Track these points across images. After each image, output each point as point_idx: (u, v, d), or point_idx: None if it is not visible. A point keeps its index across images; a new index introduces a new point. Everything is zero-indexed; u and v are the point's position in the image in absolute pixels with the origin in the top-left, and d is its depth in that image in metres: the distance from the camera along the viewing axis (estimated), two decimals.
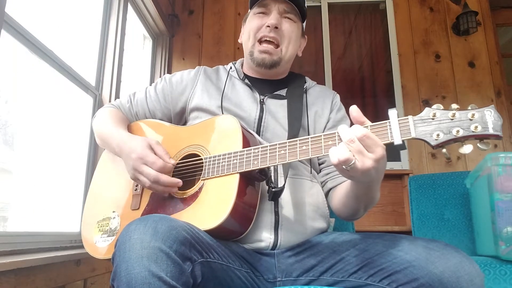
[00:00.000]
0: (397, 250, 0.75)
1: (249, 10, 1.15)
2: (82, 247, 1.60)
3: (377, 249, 0.79)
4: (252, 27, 1.09)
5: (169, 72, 2.99)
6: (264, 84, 1.13)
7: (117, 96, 1.99)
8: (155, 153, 0.91)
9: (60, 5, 1.75)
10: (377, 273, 0.76)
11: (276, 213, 0.92)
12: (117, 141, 1.00)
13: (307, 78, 1.20)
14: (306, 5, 1.14)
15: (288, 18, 1.09)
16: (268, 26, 1.05)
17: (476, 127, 0.66)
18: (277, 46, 1.08)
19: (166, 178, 0.87)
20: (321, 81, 3.06)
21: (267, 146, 0.85)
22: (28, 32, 1.39)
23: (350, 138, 0.69)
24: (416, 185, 1.95)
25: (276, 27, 1.05)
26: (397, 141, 0.70)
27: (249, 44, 1.10)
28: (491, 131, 0.66)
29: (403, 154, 2.88)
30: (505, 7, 3.31)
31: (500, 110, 2.85)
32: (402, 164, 2.87)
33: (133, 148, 0.92)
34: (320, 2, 3.28)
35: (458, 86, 2.94)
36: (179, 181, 0.88)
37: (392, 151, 2.88)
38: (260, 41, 1.08)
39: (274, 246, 0.91)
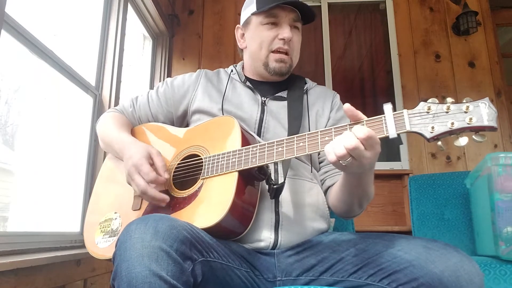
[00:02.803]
0: (397, 250, 0.75)
1: (248, 14, 1.12)
2: (82, 247, 1.61)
3: (377, 249, 0.79)
4: (264, 40, 1.07)
5: (169, 72, 2.99)
6: (265, 87, 1.13)
7: (117, 96, 1.99)
8: (153, 163, 0.92)
9: (60, 5, 1.75)
10: (377, 273, 0.76)
11: (277, 213, 0.93)
12: (119, 145, 1.02)
13: (307, 79, 1.21)
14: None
15: (296, 27, 1.10)
16: (283, 39, 1.05)
17: (471, 119, 0.67)
18: (287, 54, 1.09)
19: (153, 192, 0.88)
20: (321, 81, 3.07)
21: (265, 144, 0.86)
22: (28, 32, 1.38)
23: (353, 146, 0.69)
24: (416, 185, 1.95)
25: (289, 40, 1.07)
26: (392, 134, 0.71)
27: (261, 56, 1.09)
28: (486, 123, 0.66)
29: (403, 154, 2.88)
30: (505, 7, 3.31)
31: (500, 110, 2.85)
32: (402, 164, 2.87)
33: (131, 154, 0.93)
34: (320, 2, 3.28)
35: (458, 86, 2.94)
36: (165, 198, 0.89)
37: (392, 151, 2.88)
38: (273, 52, 1.08)
39: (274, 246, 0.91)
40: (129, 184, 0.94)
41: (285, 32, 1.05)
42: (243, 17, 1.16)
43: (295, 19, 1.08)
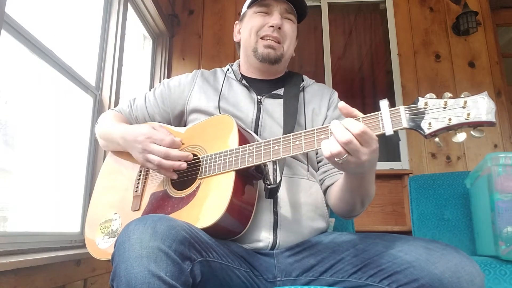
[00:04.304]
0: (397, 251, 0.75)
1: (245, 9, 1.16)
2: (82, 247, 1.61)
3: (377, 250, 0.79)
4: (254, 25, 1.10)
5: (169, 72, 2.99)
6: (261, 84, 1.14)
7: (117, 96, 1.99)
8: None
9: (60, 5, 1.75)
10: (377, 274, 0.75)
11: (275, 213, 0.92)
12: (120, 133, 1.03)
13: (305, 77, 1.21)
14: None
15: (288, 19, 1.12)
16: (272, 26, 1.07)
17: (468, 114, 0.65)
18: (278, 42, 1.10)
19: (176, 152, 0.90)
20: (321, 81, 3.03)
21: (261, 143, 0.85)
22: (28, 32, 1.38)
23: (347, 140, 0.68)
24: (416, 185, 1.95)
25: (279, 28, 1.08)
26: (389, 131, 0.70)
27: (251, 42, 1.11)
28: (484, 118, 0.64)
29: (403, 154, 2.88)
30: (505, 7, 3.31)
31: (500, 110, 2.85)
32: (402, 164, 2.87)
33: (138, 132, 0.95)
34: (320, 2, 3.28)
35: (458, 86, 2.94)
36: (189, 154, 0.91)
37: (392, 150, 2.88)
38: (262, 39, 1.10)
39: (273, 246, 0.91)
40: (145, 160, 0.93)
41: (275, 19, 1.08)
42: (241, 14, 1.20)
43: (287, 10, 1.11)
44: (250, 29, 1.11)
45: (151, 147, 0.91)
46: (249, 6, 1.14)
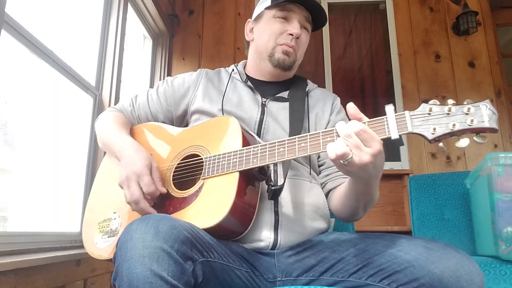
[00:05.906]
0: (397, 250, 0.75)
1: (262, 9, 1.13)
2: (82, 247, 1.60)
3: (377, 249, 0.79)
4: (274, 31, 1.09)
5: (169, 72, 2.99)
6: (266, 87, 1.13)
7: (117, 96, 1.99)
8: (151, 175, 0.91)
9: (60, 5, 1.75)
10: (377, 273, 0.76)
11: (276, 213, 0.92)
12: (119, 148, 1.00)
13: (308, 81, 1.21)
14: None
15: (305, 28, 1.12)
16: (291, 34, 1.07)
17: (472, 120, 0.67)
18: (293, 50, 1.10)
19: (144, 205, 0.87)
20: (321, 81, 3.07)
21: (266, 144, 0.86)
22: (28, 32, 1.38)
23: (347, 133, 0.70)
24: (416, 185, 1.95)
25: (298, 37, 1.08)
26: (394, 135, 0.71)
27: (268, 46, 1.10)
28: (486, 125, 0.67)
29: (403, 154, 2.88)
30: (505, 7, 3.31)
31: (500, 110, 2.85)
32: (402, 164, 2.87)
33: (134, 160, 0.92)
34: (320, 2, 3.28)
35: (458, 86, 2.94)
36: (154, 212, 0.88)
37: (392, 151, 2.88)
38: (280, 45, 1.09)
39: (274, 246, 0.91)
40: (121, 187, 0.92)
41: (295, 28, 1.07)
42: (256, 12, 1.18)
43: (306, 18, 1.11)
44: (269, 35, 1.09)
45: (131, 184, 0.88)
46: (269, 8, 1.11)
